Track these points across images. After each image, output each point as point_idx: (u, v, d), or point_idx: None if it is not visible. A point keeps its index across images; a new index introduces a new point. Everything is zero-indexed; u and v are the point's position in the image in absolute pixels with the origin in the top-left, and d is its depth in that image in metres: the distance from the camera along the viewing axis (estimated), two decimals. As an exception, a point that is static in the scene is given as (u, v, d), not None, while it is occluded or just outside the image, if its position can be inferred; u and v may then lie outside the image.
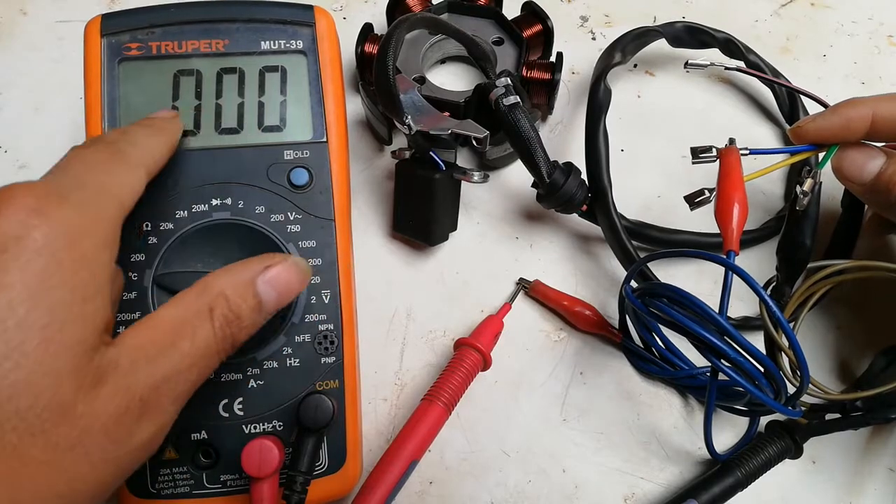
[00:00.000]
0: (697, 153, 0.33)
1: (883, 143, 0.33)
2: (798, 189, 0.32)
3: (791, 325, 0.32)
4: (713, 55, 0.43)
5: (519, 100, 0.36)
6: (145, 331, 0.23)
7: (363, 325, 0.36)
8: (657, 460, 0.36)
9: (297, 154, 0.33)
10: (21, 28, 0.47)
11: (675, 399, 0.38)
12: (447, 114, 0.37)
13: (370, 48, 0.42)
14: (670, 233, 0.40)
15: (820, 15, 0.49)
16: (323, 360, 0.31)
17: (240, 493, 0.30)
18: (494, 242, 0.41)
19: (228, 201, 0.31)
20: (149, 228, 0.31)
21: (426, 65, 0.44)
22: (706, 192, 0.33)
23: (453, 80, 0.46)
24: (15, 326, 0.20)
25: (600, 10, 0.48)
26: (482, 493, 0.36)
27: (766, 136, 0.44)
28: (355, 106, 0.43)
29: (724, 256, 0.30)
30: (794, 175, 0.43)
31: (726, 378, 0.29)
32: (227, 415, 0.30)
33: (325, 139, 0.33)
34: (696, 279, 0.40)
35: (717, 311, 0.29)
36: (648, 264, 0.38)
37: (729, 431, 0.37)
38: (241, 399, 0.31)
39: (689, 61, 0.38)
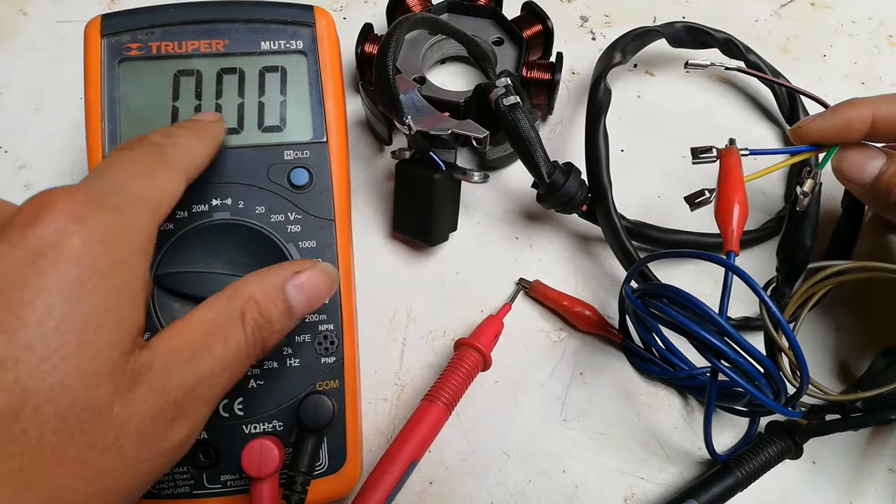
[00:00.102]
0: (697, 153, 0.33)
1: (883, 144, 0.33)
2: (798, 189, 0.32)
3: (791, 325, 0.32)
4: (713, 55, 0.43)
5: (519, 100, 0.36)
6: (179, 334, 0.23)
7: (363, 325, 0.36)
8: (657, 460, 0.36)
9: (297, 154, 0.33)
10: (21, 28, 0.47)
11: (675, 399, 0.38)
12: (447, 114, 0.37)
13: (370, 48, 0.42)
14: (670, 233, 0.40)
15: (820, 15, 0.49)
16: (323, 360, 0.31)
17: (240, 494, 0.30)
18: (494, 242, 0.41)
19: (228, 201, 0.31)
20: (149, 228, 0.31)
21: (426, 65, 0.44)
22: (706, 192, 0.33)
23: (453, 80, 0.46)
24: (53, 330, 0.20)
25: (600, 10, 0.48)
26: (482, 494, 0.36)
27: (766, 136, 0.44)
28: (355, 106, 0.43)
29: (724, 257, 0.30)
30: (795, 175, 0.43)
31: (726, 378, 0.29)
32: (227, 415, 0.30)
33: (325, 139, 0.33)
34: (695, 279, 0.40)
35: (716, 311, 0.29)
36: (648, 265, 0.38)
37: (729, 432, 0.37)
38: (241, 399, 0.31)
39: (689, 61, 0.38)
